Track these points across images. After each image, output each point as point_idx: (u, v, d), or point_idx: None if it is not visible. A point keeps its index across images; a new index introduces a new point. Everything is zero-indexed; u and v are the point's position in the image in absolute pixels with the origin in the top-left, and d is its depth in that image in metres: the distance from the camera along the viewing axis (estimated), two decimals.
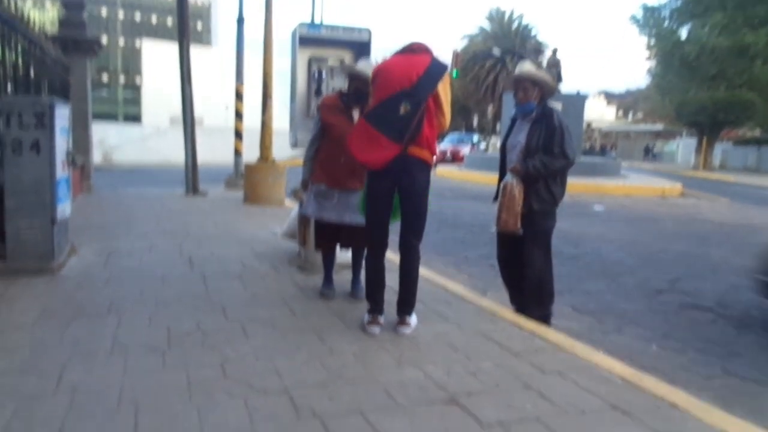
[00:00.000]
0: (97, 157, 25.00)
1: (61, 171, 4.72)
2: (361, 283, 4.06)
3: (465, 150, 26.75)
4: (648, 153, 43.25)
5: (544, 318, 3.95)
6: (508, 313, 4.01)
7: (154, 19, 65.26)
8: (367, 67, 3.87)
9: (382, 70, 3.40)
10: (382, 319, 3.50)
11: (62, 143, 4.73)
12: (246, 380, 2.70)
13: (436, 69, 3.32)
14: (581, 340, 3.69)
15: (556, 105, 4.31)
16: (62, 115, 4.76)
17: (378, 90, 3.36)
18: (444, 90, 3.35)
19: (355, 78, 3.95)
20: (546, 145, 3.74)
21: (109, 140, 28.18)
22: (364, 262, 3.67)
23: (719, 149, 34.91)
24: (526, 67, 4.01)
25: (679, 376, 3.42)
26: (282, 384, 2.68)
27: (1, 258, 4.49)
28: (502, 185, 3.90)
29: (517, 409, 2.55)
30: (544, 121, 3.77)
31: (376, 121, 3.30)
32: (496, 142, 24.14)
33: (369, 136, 3.30)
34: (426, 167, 3.41)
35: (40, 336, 3.20)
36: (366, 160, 3.35)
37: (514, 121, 4.07)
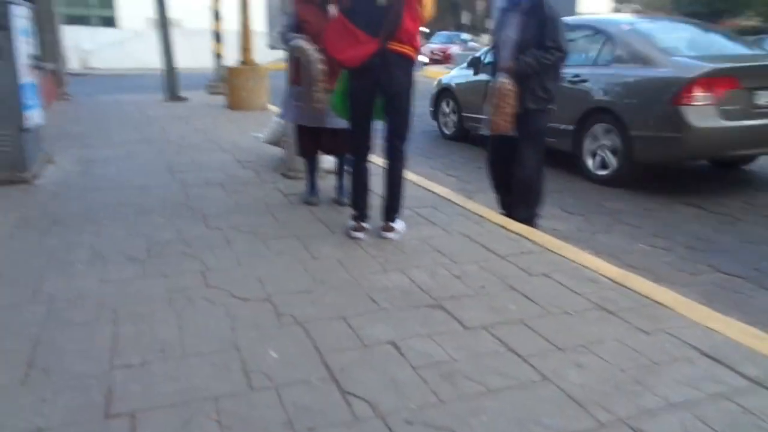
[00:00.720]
0: (73, 63, 24.10)
1: (26, 76, 4.45)
2: (346, 188, 3.96)
3: (454, 49, 25.82)
4: None
5: (531, 219, 3.90)
6: (494, 215, 3.96)
7: None
8: None
9: None
10: (366, 224, 3.42)
11: (24, 46, 4.42)
12: (227, 288, 2.65)
13: None
14: (569, 240, 3.67)
15: None
16: (20, 14, 4.42)
17: None
18: None
19: None
20: (538, 38, 3.51)
21: (84, 45, 26.99)
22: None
23: None
24: None
25: (666, 274, 3.43)
26: (264, 291, 2.63)
27: None
28: (492, 86, 3.70)
29: (501, 311, 2.53)
30: (535, 13, 3.52)
31: (351, 15, 3.06)
32: (486, 40, 23.23)
33: (345, 32, 3.06)
34: (408, 63, 3.20)
35: (15, 246, 3.13)
36: (342, 57, 3.13)
37: (504, 12, 3.80)
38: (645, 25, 5.71)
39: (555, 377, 2.02)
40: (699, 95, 4.71)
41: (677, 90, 4.74)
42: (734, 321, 2.50)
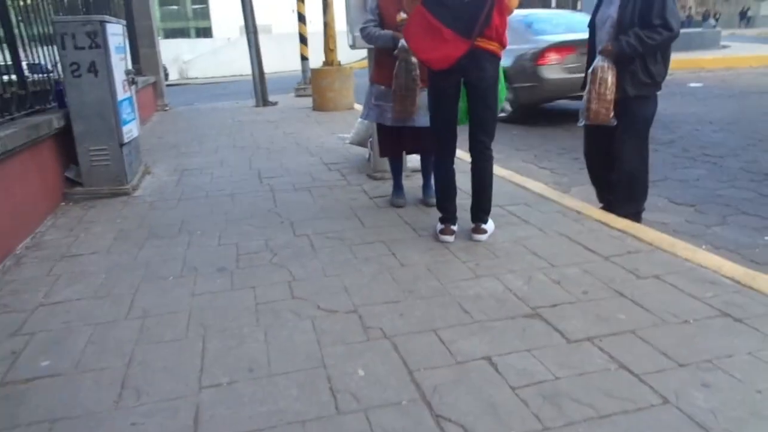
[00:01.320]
0: (174, 74, 25.52)
1: (122, 91, 4.64)
2: (432, 188, 3.80)
3: None
4: (744, 17, 38.59)
5: (636, 215, 3.57)
6: (595, 211, 3.66)
7: None
8: None
9: None
10: (455, 227, 3.25)
11: (119, 62, 4.61)
12: (314, 299, 2.58)
13: None
14: (680, 236, 3.34)
15: None
16: (115, 32, 4.61)
17: None
18: None
19: None
20: (643, 15, 3.17)
21: (184, 56, 28.50)
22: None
23: None
24: None
25: None
26: (351, 302, 2.54)
27: (79, 183, 4.57)
28: (590, 70, 3.40)
29: (609, 320, 2.28)
30: None
31: (437, 10, 2.85)
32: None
33: (430, 29, 2.86)
34: (496, 59, 2.99)
35: (114, 260, 3.22)
36: (429, 58, 2.94)
37: None
38: (534, 16, 8.36)
39: (677, 400, 1.77)
40: (549, 58, 7.33)
41: (536, 55, 7.38)
42: None
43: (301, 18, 11.15)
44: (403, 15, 3.44)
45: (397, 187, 4.02)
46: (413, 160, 4.38)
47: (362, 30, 3.68)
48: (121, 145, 4.56)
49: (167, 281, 2.89)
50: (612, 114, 3.36)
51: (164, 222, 3.87)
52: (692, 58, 13.78)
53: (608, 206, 3.73)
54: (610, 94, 3.32)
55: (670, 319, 2.28)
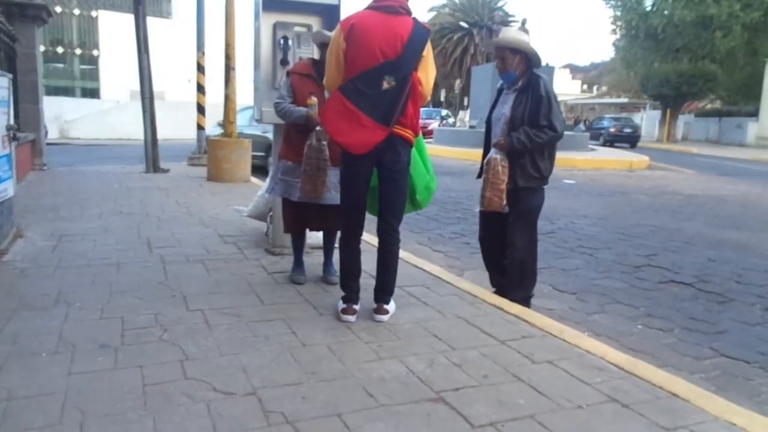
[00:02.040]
0: (54, 132, 24.10)
1: (1, 148, 4.29)
2: (334, 266, 3.80)
3: (434, 125, 26.44)
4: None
5: (525, 300, 3.76)
6: (489, 295, 3.80)
7: None
8: None
9: (358, 27, 2.97)
10: (357, 306, 3.23)
11: (1, 117, 4.29)
12: (209, 381, 2.41)
13: (420, 35, 2.97)
14: (564, 321, 3.53)
15: None
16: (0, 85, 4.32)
17: (355, 54, 2.95)
18: (428, 58, 3.05)
19: (327, 46, 3.60)
20: (532, 116, 3.49)
21: (67, 115, 27.14)
22: (337, 244, 3.39)
23: (682, 121, 35.57)
24: (505, 34, 3.74)
25: (669, 358, 3.30)
26: (249, 384, 2.40)
27: None
28: (485, 161, 3.65)
29: (509, 405, 2.33)
30: (530, 91, 3.51)
31: (355, 97, 2.93)
32: (464, 116, 23.81)
33: (347, 114, 2.94)
34: (409, 146, 3.12)
35: None
36: (347, 142, 2.99)
37: (500, 92, 3.80)
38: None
39: None
40: None
41: None
42: (756, 415, 2.34)
43: (200, 88, 11.08)
44: (313, 99, 3.53)
45: (298, 263, 3.96)
46: (314, 237, 4.36)
47: (276, 105, 3.72)
48: None
49: (39, 358, 2.59)
50: (505, 202, 3.59)
51: (37, 291, 3.52)
52: (566, 158, 15.13)
53: (500, 290, 3.89)
54: (502, 183, 3.56)
55: (565, 404, 2.36)
